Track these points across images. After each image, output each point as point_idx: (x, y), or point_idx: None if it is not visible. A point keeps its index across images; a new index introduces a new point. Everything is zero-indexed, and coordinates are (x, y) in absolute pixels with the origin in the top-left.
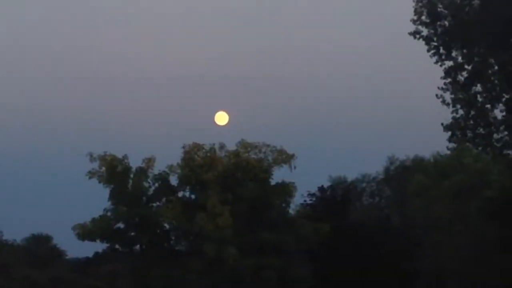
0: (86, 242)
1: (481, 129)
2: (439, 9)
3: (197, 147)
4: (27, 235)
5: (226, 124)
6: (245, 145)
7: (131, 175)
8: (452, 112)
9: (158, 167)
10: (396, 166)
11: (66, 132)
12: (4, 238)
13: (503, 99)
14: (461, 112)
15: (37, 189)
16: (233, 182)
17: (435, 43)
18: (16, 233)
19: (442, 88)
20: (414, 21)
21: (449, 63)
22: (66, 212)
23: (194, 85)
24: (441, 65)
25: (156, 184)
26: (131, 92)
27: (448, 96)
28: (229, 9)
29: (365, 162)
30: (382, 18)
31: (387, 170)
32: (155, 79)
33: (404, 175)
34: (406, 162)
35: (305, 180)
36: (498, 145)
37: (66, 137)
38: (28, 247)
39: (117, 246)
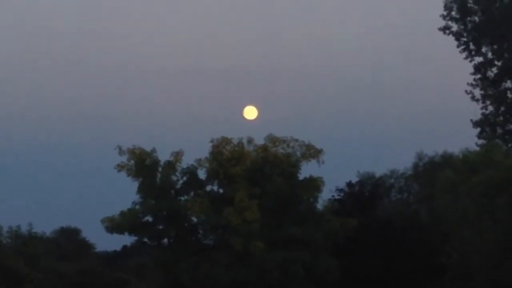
0: (115, 235)
1: (511, 126)
2: (469, 5)
3: (225, 141)
4: (56, 228)
5: (255, 119)
6: (273, 140)
7: (160, 169)
8: (482, 108)
9: (186, 161)
10: (424, 162)
11: (95, 125)
12: (33, 230)
13: None
14: (490, 108)
15: (66, 182)
16: (261, 176)
17: (465, 39)
18: (45, 226)
19: (472, 84)
20: (444, 17)
21: (479, 59)
22: (95, 205)
23: (223, 78)
24: (470, 61)
25: (184, 178)
26: (160, 85)
27: (477, 92)
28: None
29: (393, 158)
30: (412, 10)
31: (415, 166)
32: (185, 72)
33: (432, 171)
34: (434, 158)
35: (333, 175)
36: None
37: (95, 130)
38: (57, 240)
39: (145, 239)
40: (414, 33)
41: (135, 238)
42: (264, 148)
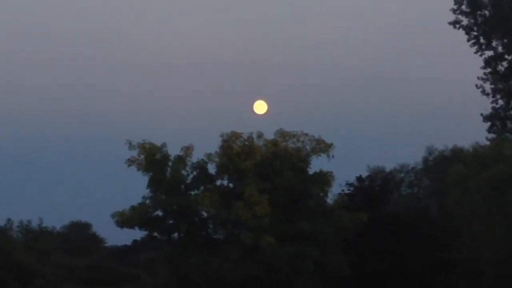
0: (125, 230)
1: None
2: None
3: (235, 135)
4: (66, 222)
5: (265, 113)
6: (283, 134)
7: (170, 163)
8: (492, 102)
9: (197, 156)
10: (434, 156)
11: (106, 120)
12: (43, 225)
13: None
14: (501, 102)
15: (76, 177)
16: (271, 171)
17: (475, 33)
18: (56, 221)
19: (482, 78)
20: (454, 11)
21: (489, 53)
22: (105, 199)
23: (233, 73)
24: (481, 55)
25: (194, 173)
26: (170, 80)
27: (488, 86)
28: None
29: (403, 152)
30: (422, 4)
31: (425, 160)
32: (194, 66)
33: (442, 166)
34: (445, 152)
35: (343, 169)
36: None
37: (105, 125)
38: (67, 235)
39: (155, 234)
40: (424, 27)
41: (145, 232)
42: (274, 142)
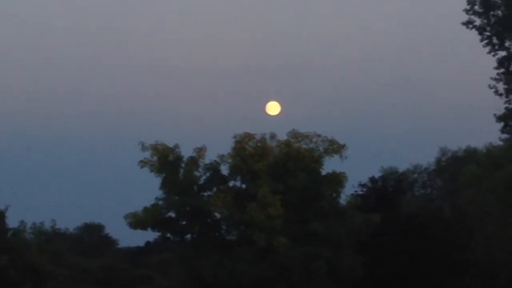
0: (138, 231)
1: None
2: None
3: (248, 137)
4: (79, 224)
5: (277, 114)
6: (296, 135)
7: (183, 165)
8: (505, 103)
9: (209, 157)
10: (448, 157)
11: (118, 121)
12: (56, 226)
13: None
14: None
15: (89, 178)
16: (284, 172)
17: (488, 33)
18: (69, 222)
19: (495, 79)
20: (467, 11)
21: (502, 53)
22: (118, 201)
23: (246, 75)
24: (494, 55)
25: (207, 174)
26: (183, 82)
27: (501, 87)
28: None
29: (416, 153)
30: (434, 5)
31: (438, 161)
32: (207, 68)
33: (456, 166)
34: (458, 153)
35: (356, 170)
36: None
37: (118, 126)
38: (80, 236)
39: (168, 235)
40: (436, 28)
41: (158, 234)
42: (287, 143)
